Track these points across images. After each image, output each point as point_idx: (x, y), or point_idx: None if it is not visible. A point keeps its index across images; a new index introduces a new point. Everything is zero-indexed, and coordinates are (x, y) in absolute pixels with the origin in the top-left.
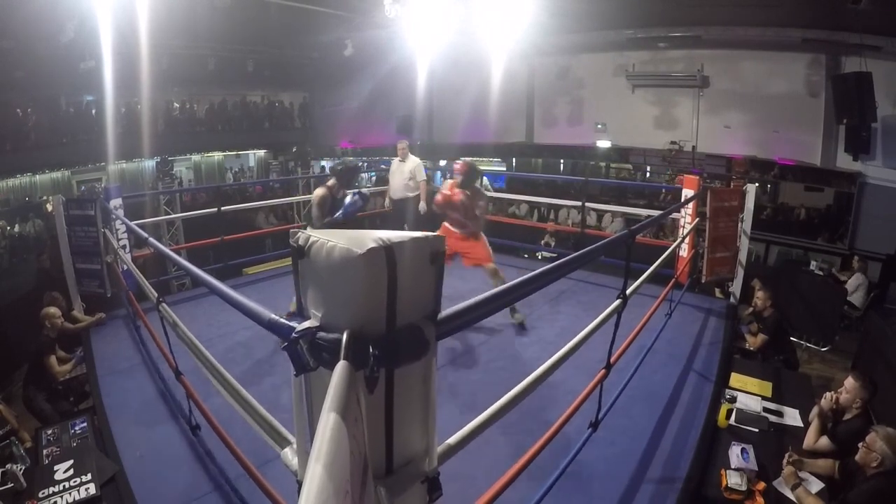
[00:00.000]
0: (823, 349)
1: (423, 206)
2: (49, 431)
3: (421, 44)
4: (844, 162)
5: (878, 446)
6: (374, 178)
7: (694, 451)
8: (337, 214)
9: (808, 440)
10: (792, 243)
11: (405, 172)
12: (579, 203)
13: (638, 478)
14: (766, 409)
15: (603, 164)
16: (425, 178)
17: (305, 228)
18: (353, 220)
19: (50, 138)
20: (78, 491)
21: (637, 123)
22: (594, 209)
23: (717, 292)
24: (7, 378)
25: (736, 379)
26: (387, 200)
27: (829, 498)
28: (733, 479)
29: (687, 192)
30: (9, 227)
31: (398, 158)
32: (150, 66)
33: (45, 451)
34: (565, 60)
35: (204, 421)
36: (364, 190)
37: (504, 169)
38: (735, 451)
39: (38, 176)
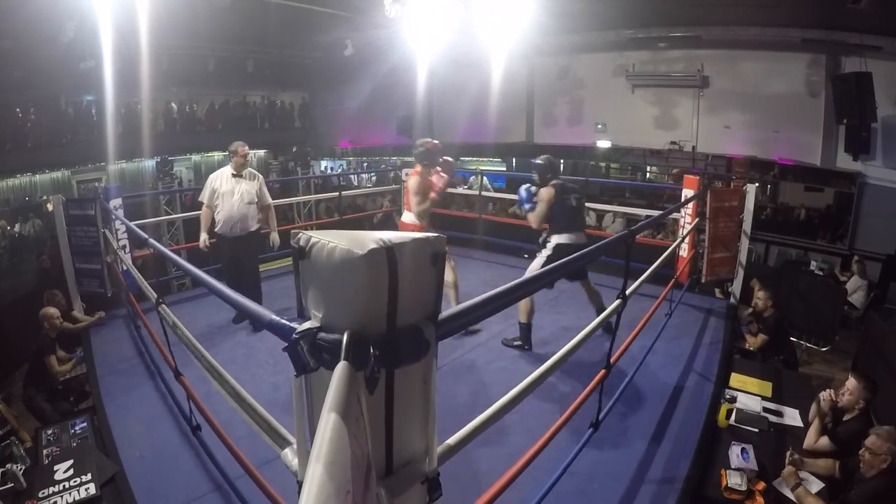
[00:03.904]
0: (823, 349)
1: (275, 237)
2: (49, 431)
3: (421, 44)
4: (844, 162)
5: (885, 447)
6: (374, 178)
7: (694, 451)
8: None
9: (809, 440)
10: (792, 243)
11: (246, 193)
12: None
13: (638, 478)
14: (766, 409)
15: (603, 164)
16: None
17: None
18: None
19: (50, 138)
20: (78, 491)
21: (637, 123)
22: (594, 209)
23: (717, 292)
24: (7, 378)
25: (736, 379)
26: (203, 238)
27: (829, 498)
28: (733, 479)
29: (687, 192)
30: (9, 227)
31: (230, 171)
32: (150, 66)
33: (45, 451)
34: (565, 60)
35: (204, 421)
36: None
37: (504, 169)
38: (735, 451)
39: (38, 176)
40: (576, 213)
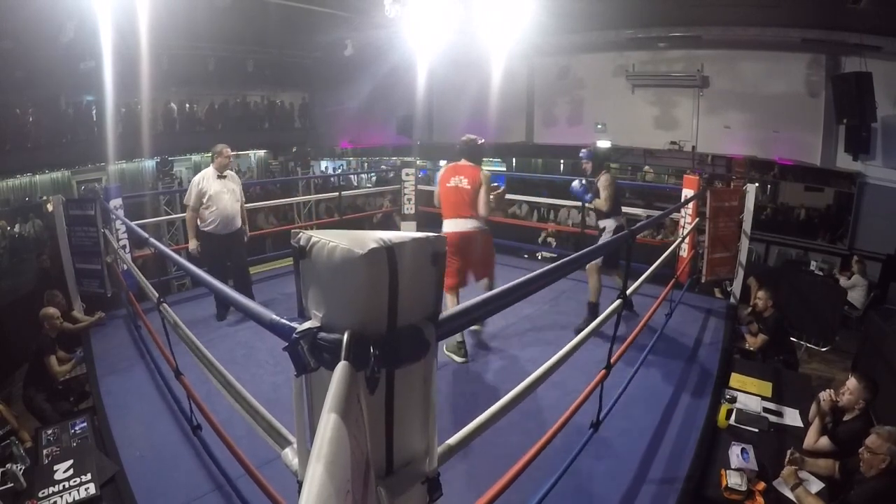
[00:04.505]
0: (823, 349)
1: (246, 229)
2: (49, 431)
3: (421, 44)
4: (844, 162)
5: (885, 447)
6: (374, 179)
7: (694, 451)
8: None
9: (809, 440)
10: (792, 243)
11: (234, 192)
12: (579, 203)
13: (638, 478)
14: (766, 409)
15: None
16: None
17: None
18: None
19: (50, 138)
20: (78, 491)
21: (637, 123)
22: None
23: (717, 292)
24: (7, 378)
25: (736, 379)
26: (195, 244)
27: (829, 498)
28: (733, 479)
29: (687, 192)
30: (9, 227)
31: (214, 172)
32: (150, 66)
33: (45, 451)
34: (565, 60)
35: (204, 421)
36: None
37: (504, 169)
38: (735, 451)
39: (38, 176)
40: (621, 198)
